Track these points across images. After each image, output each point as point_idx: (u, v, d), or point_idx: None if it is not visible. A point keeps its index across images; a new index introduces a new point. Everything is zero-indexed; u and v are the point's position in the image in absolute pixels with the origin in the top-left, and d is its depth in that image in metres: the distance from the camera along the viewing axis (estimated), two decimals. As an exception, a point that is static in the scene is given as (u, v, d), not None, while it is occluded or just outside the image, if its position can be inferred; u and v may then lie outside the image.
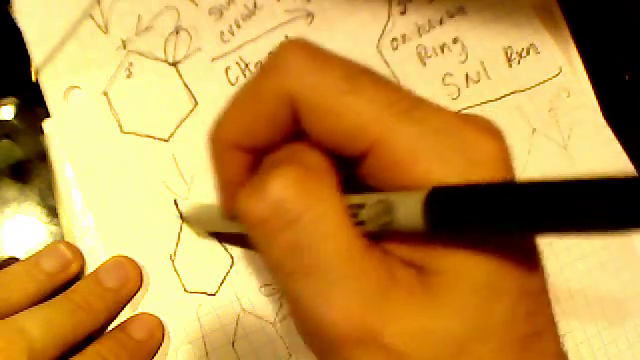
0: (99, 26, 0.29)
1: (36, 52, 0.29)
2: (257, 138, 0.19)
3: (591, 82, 0.32)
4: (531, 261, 0.17)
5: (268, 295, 0.28)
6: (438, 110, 0.17)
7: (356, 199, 0.17)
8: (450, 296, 0.17)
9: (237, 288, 0.28)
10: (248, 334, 0.27)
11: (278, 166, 0.17)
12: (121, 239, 0.28)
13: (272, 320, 0.27)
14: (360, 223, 0.17)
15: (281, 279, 0.18)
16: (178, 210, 0.28)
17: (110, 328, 0.27)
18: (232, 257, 0.28)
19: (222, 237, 0.28)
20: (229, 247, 0.28)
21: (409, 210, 0.16)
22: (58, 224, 0.28)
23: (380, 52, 0.30)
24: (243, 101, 0.19)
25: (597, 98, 0.32)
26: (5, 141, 0.29)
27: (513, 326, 0.17)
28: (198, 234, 0.28)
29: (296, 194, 0.17)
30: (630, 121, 0.33)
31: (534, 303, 0.17)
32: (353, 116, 0.17)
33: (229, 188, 0.21)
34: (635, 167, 0.32)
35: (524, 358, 0.17)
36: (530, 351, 0.17)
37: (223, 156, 0.20)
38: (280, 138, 0.18)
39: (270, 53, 0.17)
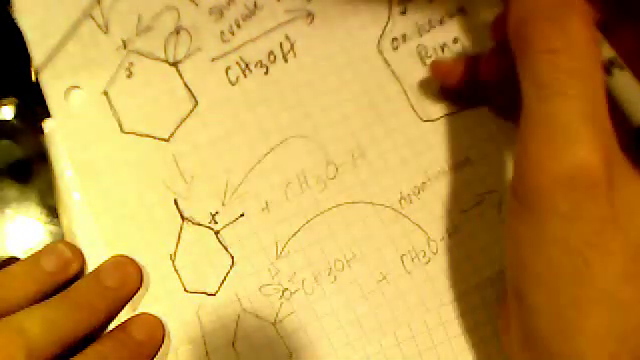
0: (99, 26, 0.29)
1: (36, 52, 0.29)
2: None
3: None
4: None
5: (268, 295, 0.28)
6: None
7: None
8: None
9: (237, 288, 0.28)
10: (248, 334, 0.27)
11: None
12: (121, 239, 0.28)
13: (272, 320, 0.27)
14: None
15: (535, 99, 0.19)
16: (178, 210, 0.28)
17: (110, 328, 0.27)
18: (232, 257, 0.28)
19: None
20: (229, 247, 0.28)
21: None
22: (58, 224, 0.28)
23: (380, 52, 0.30)
24: None
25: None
26: (5, 141, 0.29)
27: None
28: None
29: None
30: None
31: None
32: None
33: None
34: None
35: None
36: None
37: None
38: None
39: None
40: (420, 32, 0.30)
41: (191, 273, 0.28)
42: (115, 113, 0.28)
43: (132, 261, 0.27)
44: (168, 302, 0.27)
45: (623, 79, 0.20)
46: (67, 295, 0.26)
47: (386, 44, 0.30)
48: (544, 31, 0.19)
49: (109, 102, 0.29)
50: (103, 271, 0.27)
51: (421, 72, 0.30)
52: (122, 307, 0.27)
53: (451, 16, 0.30)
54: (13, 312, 0.25)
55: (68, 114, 0.28)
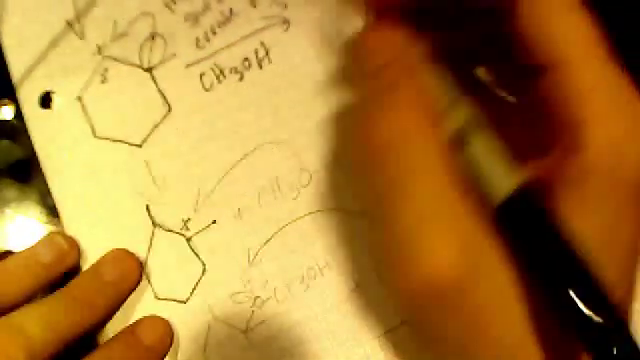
0: (75, 31, 0.29)
1: (13, 58, 0.29)
2: None
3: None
4: None
5: (240, 303, 0.27)
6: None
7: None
8: None
9: (208, 296, 0.27)
10: (219, 342, 0.27)
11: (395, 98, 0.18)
12: (93, 244, 0.28)
13: (244, 328, 0.27)
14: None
15: (379, 210, 0.18)
16: (150, 216, 0.28)
17: (109, 325, 0.27)
18: (204, 264, 0.27)
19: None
20: (201, 254, 0.28)
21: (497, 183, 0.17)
22: (58, 224, 0.28)
23: (356, 59, 0.30)
24: None
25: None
26: (5, 141, 0.29)
27: None
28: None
29: (404, 126, 0.17)
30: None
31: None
32: (564, 43, 0.17)
33: None
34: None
35: None
36: None
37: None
38: None
39: None
40: (397, 39, 0.30)
41: (162, 280, 0.27)
42: (88, 118, 0.28)
43: (131, 255, 0.27)
44: (139, 309, 0.27)
45: (478, 149, 0.18)
46: (66, 292, 0.26)
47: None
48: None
49: (83, 107, 0.29)
50: (102, 266, 0.27)
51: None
52: (123, 302, 0.27)
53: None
54: (10, 305, 0.25)
55: (42, 118, 0.28)
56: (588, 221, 0.16)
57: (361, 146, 0.18)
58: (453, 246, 0.16)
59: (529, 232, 0.17)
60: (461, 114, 0.19)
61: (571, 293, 0.15)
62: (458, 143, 0.18)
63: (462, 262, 0.16)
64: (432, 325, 0.18)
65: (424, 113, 0.18)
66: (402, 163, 0.17)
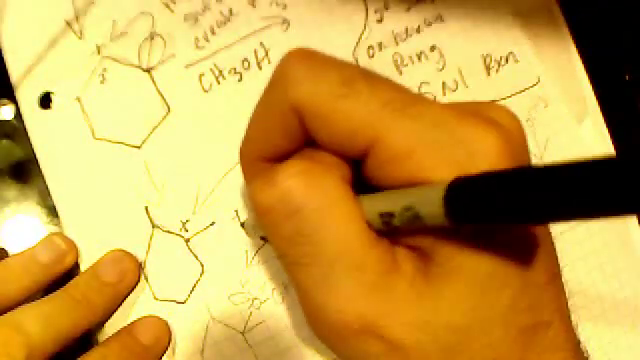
0: (74, 31, 0.29)
1: (12, 57, 0.29)
2: (276, 149, 0.19)
3: (591, 82, 0.31)
4: (534, 254, 0.18)
5: (238, 304, 0.27)
6: (434, 106, 0.17)
7: (382, 205, 0.18)
8: (452, 288, 0.17)
9: (207, 297, 0.27)
10: (217, 343, 0.27)
11: (288, 161, 0.18)
12: (92, 245, 0.28)
13: (241, 329, 0.27)
14: (393, 229, 0.17)
15: (286, 268, 0.19)
16: (149, 217, 0.28)
17: (108, 324, 0.27)
18: (202, 265, 0.28)
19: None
20: (199, 255, 0.28)
21: (432, 209, 0.16)
22: (58, 224, 0.28)
23: (356, 60, 0.30)
24: (258, 116, 0.20)
25: (597, 98, 0.31)
26: (5, 141, 0.29)
27: (515, 318, 0.17)
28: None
29: (301, 184, 0.17)
30: (630, 121, 0.32)
31: (538, 295, 0.18)
32: (348, 119, 0.17)
33: None
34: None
35: (527, 349, 0.17)
36: (534, 343, 0.18)
37: (251, 169, 0.21)
38: (297, 146, 0.19)
39: (276, 66, 0.18)
40: (397, 40, 0.30)
41: (161, 281, 0.27)
42: (88, 119, 0.28)
43: (130, 255, 0.27)
44: (137, 310, 0.27)
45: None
46: (65, 292, 0.26)
47: (362, 52, 0.30)
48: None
49: (82, 108, 0.28)
50: (101, 266, 0.27)
51: (397, 80, 0.29)
52: (121, 302, 0.27)
53: (428, 24, 0.30)
54: (9, 305, 0.25)
55: (41, 119, 0.28)
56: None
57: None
58: (357, 294, 0.17)
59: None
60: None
61: None
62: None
63: (367, 308, 0.17)
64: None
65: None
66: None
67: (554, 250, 0.19)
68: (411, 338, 0.17)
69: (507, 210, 0.14)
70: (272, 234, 0.18)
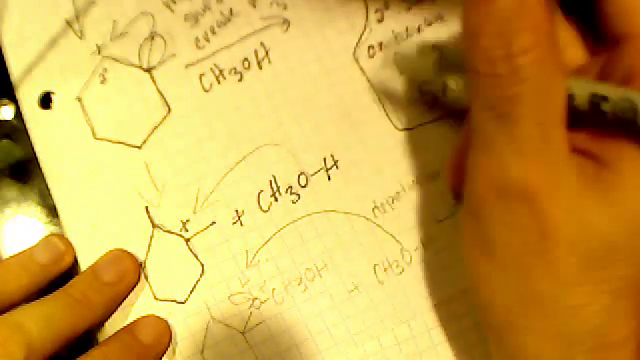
0: (74, 31, 0.29)
1: (12, 57, 0.29)
2: None
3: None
4: None
5: (238, 304, 0.27)
6: None
7: (600, 88, 0.18)
8: (623, 198, 0.18)
9: (207, 297, 0.27)
10: (217, 343, 0.27)
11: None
12: (92, 244, 0.28)
13: (242, 329, 0.27)
14: (601, 113, 0.18)
15: (479, 115, 0.19)
16: (149, 217, 0.28)
17: (108, 324, 0.27)
18: (202, 265, 0.28)
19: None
20: (199, 255, 0.28)
21: None
22: (58, 224, 0.28)
23: (356, 60, 0.29)
24: None
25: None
26: (5, 141, 0.29)
27: None
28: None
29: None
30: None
31: None
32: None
33: None
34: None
35: None
36: None
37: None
38: None
39: None
40: (397, 40, 0.30)
41: (161, 281, 0.27)
42: (88, 119, 0.28)
43: (130, 255, 0.27)
44: (138, 309, 0.27)
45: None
46: (65, 292, 0.26)
47: (362, 52, 0.30)
48: (487, 53, 0.18)
49: (82, 108, 0.28)
50: (100, 266, 0.27)
51: (397, 81, 0.29)
52: (121, 302, 0.27)
53: (429, 24, 0.30)
54: (7, 305, 0.25)
55: (41, 119, 0.28)
56: None
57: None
58: (537, 169, 0.18)
59: None
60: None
61: None
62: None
63: (544, 183, 0.18)
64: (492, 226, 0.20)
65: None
66: (510, 89, 0.18)
67: None
68: (568, 230, 0.18)
69: None
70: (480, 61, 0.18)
